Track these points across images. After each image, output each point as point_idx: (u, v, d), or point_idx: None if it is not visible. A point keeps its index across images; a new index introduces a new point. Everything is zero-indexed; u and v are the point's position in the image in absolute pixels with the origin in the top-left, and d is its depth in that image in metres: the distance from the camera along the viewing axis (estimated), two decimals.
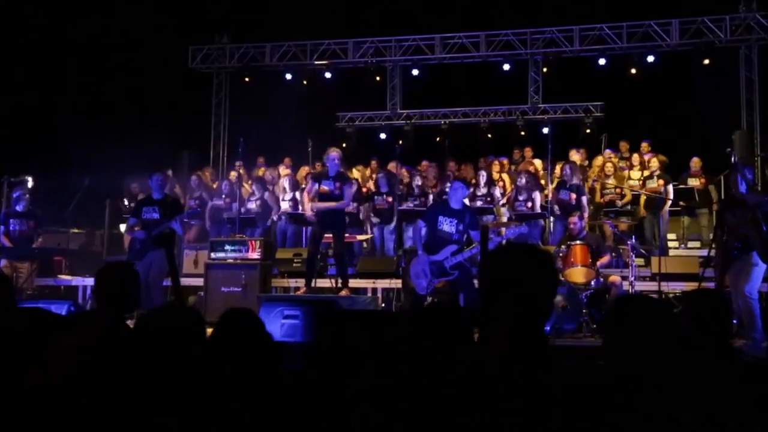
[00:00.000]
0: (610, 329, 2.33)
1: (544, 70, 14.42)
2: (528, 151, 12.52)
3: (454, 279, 7.43)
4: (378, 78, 14.83)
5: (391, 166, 11.56)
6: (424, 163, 12.12)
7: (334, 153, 8.41)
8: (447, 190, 10.44)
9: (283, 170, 12.12)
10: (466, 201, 9.26)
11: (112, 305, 3.12)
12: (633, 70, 13.55)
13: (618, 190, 10.69)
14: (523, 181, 10.51)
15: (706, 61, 13.12)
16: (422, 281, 7.42)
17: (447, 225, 7.38)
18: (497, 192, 10.82)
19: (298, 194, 11.21)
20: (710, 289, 6.39)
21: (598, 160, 11.78)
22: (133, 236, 8.15)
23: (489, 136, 14.78)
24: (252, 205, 11.18)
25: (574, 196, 9.92)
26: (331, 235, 8.65)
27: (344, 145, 15.16)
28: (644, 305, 2.35)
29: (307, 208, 8.63)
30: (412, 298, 7.64)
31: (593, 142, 13.43)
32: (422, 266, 7.41)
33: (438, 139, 15.02)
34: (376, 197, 10.95)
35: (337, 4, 14.25)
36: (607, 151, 12.07)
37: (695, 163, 11.02)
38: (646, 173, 10.81)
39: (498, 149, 13.30)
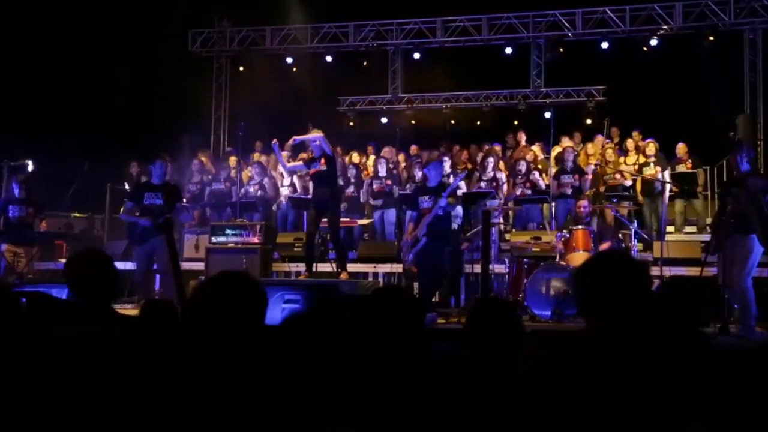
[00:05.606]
0: None
1: (560, 48, 14.20)
2: (521, 136, 12.39)
3: None
4: (365, 63, 14.69)
5: (386, 151, 11.51)
6: (414, 147, 12.06)
7: (315, 135, 8.24)
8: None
9: (285, 155, 12.04)
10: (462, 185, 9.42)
11: (92, 295, 3.00)
12: (636, 53, 13.46)
13: (618, 176, 10.65)
14: (523, 168, 10.51)
15: (710, 40, 13.02)
16: None
17: None
18: (501, 176, 10.78)
19: (296, 179, 11.17)
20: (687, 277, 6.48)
21: (592, 147, 11.72)
22: (134, 221, 7.69)
23: (479, 123, 14.68)
24: (251, 189, 11.15)
25: (577, 176, 10.29)
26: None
27: (353, 125, 15.13)
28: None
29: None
30: None
31: (595, 125, 13.35)
32: None
33: (450, 124, 14.95)
34: (374, 181, 10.91)
35: None
36: (599, 137, 11.99)
37: (680, 149, 10.94)
38: (641, 159, 10.74)
39: (500, 133, 13.26)
